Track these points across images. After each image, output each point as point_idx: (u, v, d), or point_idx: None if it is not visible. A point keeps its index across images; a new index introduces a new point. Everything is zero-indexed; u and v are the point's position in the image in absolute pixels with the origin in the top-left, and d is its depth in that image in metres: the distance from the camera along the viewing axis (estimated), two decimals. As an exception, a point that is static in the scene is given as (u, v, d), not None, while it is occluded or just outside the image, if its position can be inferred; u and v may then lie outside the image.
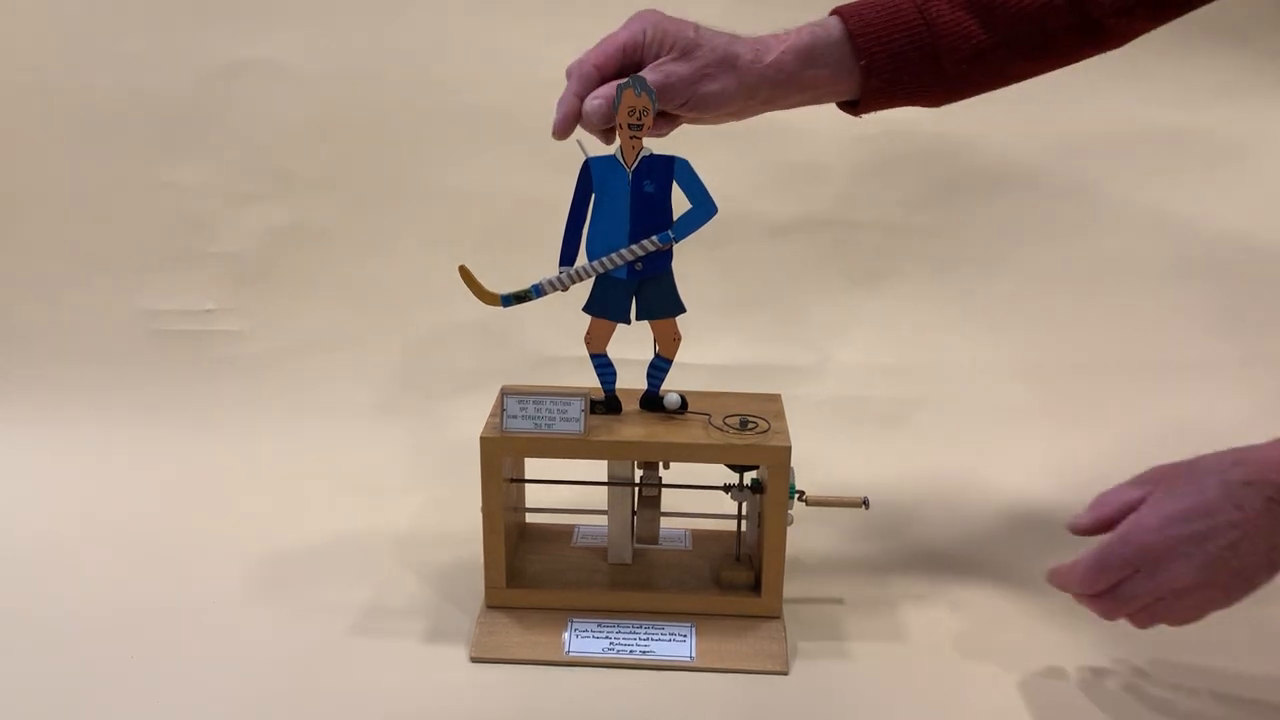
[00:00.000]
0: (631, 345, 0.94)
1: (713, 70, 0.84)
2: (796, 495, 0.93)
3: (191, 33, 1.40)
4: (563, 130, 0.85)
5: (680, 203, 0.89)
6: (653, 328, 0.93)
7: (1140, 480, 0.80)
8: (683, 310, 0.92)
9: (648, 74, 0.84)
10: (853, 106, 0.91)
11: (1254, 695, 0.87)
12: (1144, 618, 0.79)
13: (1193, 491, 0.76)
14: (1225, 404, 1.30)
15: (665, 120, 0.89)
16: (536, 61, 1.38)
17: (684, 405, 0.95)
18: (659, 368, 0.94)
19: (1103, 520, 0.80)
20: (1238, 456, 0.76)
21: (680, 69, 0.84)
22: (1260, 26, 1.36)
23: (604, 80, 0.85)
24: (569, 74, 0.85)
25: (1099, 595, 0.79)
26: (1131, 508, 0.78)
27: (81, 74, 1.41)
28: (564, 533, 1.07)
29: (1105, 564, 0.77)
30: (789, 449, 0.90)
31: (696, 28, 0.86)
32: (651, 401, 0.95)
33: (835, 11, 0.88)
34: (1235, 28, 1.36)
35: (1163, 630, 0.81)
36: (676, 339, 0.93)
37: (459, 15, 1.40)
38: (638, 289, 0.91)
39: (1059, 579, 0.81)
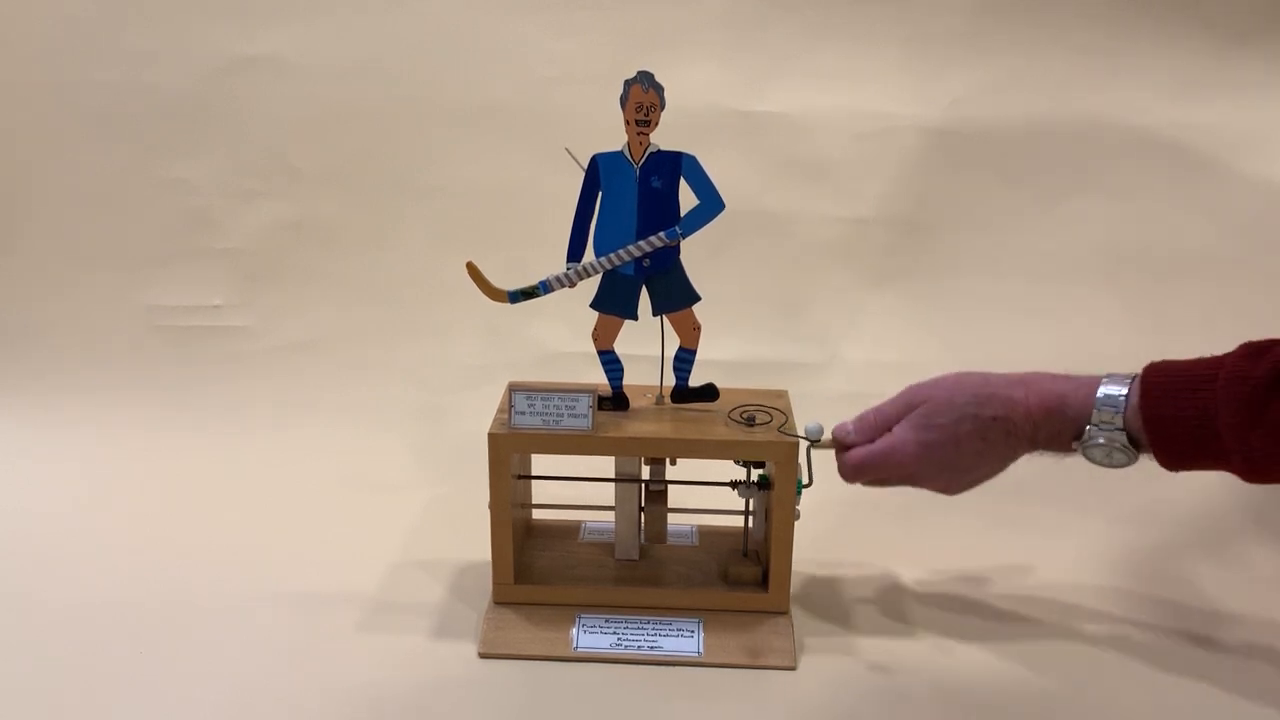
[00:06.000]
0: (639, 342, 0.94)
1: None
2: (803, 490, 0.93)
3: (198, 29, 1.40)
4: None
5: (687, 199, 0.89)
6: (671, 321, 0.93)
7: (905, 402, 0.90)
8: (697, 299, 0.92)
9: None
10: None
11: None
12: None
13: (949, 425, 0.87)
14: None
15: None
16: (541, 57, 1.39)
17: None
18: (684, 360, 0.94)
19: (866, 438, 0.91)
20: (990, 392, 0.87)
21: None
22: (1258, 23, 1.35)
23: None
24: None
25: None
26: (892, 425, 0.90)
27: (88, 70, 1.41)
28: (571, 529, 1.07)
29: (865, 470, 0.90)
30: (796, 445, 0.90)
31: None
32: (682, 394, 0.95)
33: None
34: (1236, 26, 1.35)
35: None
36: (696, 328, 0.93)
37: (464, 11, 1.40)
38: (649, 285, 0.91)
39: (842, 459, 0.92)
